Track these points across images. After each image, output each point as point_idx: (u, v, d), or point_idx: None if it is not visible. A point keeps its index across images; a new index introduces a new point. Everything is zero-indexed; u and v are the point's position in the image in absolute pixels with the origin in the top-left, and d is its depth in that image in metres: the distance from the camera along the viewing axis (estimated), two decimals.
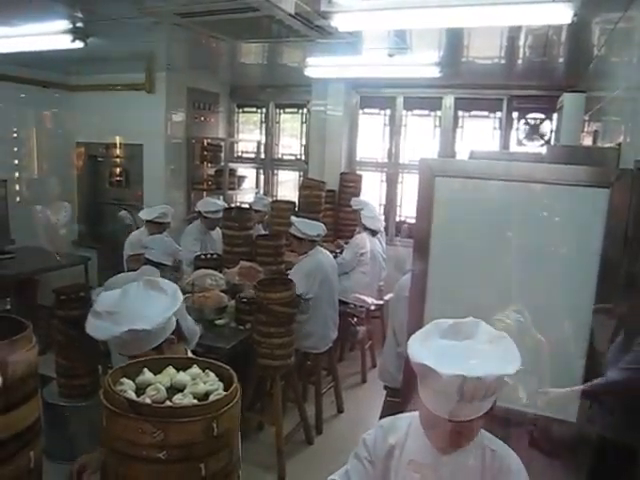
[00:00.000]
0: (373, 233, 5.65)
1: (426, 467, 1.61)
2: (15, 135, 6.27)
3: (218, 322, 4.12)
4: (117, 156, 6.75)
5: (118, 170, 6.79)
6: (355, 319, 5.41)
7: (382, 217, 6.34)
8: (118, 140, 6.64)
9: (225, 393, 1.13)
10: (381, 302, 5.68)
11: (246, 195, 7.60)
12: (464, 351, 1.46)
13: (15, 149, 6.30)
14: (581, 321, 2.51)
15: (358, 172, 6.99)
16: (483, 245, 2.57)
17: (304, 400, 4.60)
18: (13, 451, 1.00)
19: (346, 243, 5.78)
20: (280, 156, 7.62)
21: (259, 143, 7.57)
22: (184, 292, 4.00)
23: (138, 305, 1.94)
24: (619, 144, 3.06)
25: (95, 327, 1.93)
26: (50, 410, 3.25)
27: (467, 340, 1.50)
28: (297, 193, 6.51)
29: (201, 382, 1.20)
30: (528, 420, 2.50)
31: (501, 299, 2.51)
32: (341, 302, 4.96)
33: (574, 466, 2.79)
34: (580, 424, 2.53)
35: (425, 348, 1.49)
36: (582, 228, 2.49)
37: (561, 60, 4.79)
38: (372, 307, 5.55)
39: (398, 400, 1.73)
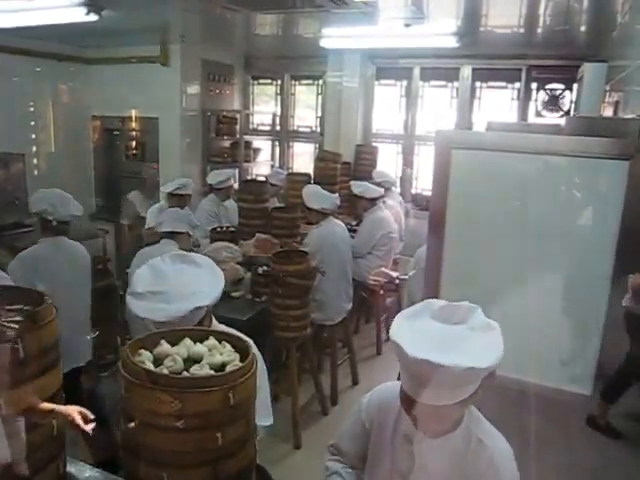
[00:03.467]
0: (384, 199, 5.59)
1: (418, 444, 1.58)
2: (32, 109, 6.31)
3: (234, 294, 4.15)
4: (133, 129, 6.76)
5: (134, 143, 6.81)
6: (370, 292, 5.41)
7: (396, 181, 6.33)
8: (134, 113, 6.65)
9: (241, 364, 1.15)
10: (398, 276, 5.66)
11: (262, 167, 7.60)
12: (448, 335, 1.41)
13: (32, 123, 6.34)
14: (599, 294, 2.49)
15: (374, 144, 6.94)
16: (500, 218, 2.55)
17: (319, 371, 4.64)
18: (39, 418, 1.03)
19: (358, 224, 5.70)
20: (295, 128, 7.59)
21: (274, 115, 7.54)
22: None
23: (184, 282, 1.91)
24: None
25: (148, 309, 1.85)
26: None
27: (456, 325, 1.44)
28: (312, 165, 6.49)
29: (218, 353, 1.22)
30: (540, 392, 2.51)
31: (518, 273, 2.50)
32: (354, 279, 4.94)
33: (586, 440, 2.81)
34: (594, 397, 2.54)
35: (408, 326, 1.45)
36: (601, 201, 2.46)
37: (582, 28, 4.69)
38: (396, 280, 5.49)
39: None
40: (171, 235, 3.85)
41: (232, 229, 5.12)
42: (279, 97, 7.58)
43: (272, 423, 2.04)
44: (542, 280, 2.51)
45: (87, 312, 3.54)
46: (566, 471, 2.92)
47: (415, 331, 1.42)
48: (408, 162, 6.91)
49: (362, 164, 6.66)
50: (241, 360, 1.19)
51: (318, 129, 7.32)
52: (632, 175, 2.36)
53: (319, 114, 7.30)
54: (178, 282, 1.90)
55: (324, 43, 5.43)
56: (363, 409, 1.76)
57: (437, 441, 1.56)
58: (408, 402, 1.48)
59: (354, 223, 5.69)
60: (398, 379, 1.69)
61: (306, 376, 4.45)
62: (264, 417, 1.96)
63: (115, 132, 6.97)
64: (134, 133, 6.77)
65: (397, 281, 5.44)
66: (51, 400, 1.10)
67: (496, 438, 1.60)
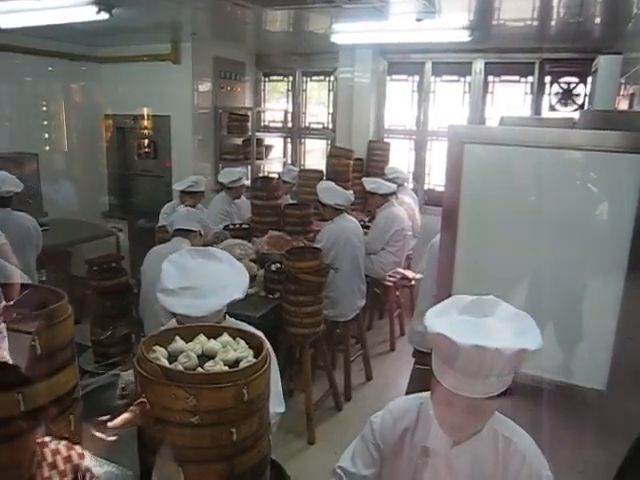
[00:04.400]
0: (397, 195, 5.58)
1: (438, 455, 1.57)
2: (44, 109, 6.34)
3: (247, 291, 4.15)
4: (145, 127, 6.79)
5: (146, 142, 6.84)
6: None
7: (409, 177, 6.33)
8: (145, 111, 6.68)
9: (255, 360, 1.16)
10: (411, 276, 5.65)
11: (274, 165, 7.61)
12: (482, 326, 1.41)
13: (45, 123, 6.38)
14: (614, 288, 2.47)
15: (386, 140, 6.92)
16: (513, 213, 2.54)
17: (333, 368, 4.66)
18: (55, 414, 1.04)
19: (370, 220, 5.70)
20: (307, 125, 7.58)
21: (286, 112, 7.54)
22: None
23: (212, 276, 1.97)
24: None
25: (184, 305, 1.88)
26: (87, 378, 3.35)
27: (486, 317, 1.44)
28: (325, 162, 6.48)
29: (231, 349, 1.22)
30: (554, 388, 2.49)
31: (532, 268, 2.49)
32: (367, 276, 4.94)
33: (604, 437, 2.79)
34: (610, 392, 2.52)
35: (442, 320, 1.44)
36: (616, 195, 2.44)
37: (597, 20, 4.63)
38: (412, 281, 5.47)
39: (427, 367, 1.71)
40: (183, 233, 3.88)
41: (245, 226, 5.14)
42: (290, 94, 7.57)
43: (285, 411, 2.06)
44: (556, 275, 2.50)
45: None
46: (581, 468, 2.91)
47: (452, 324, 1.41)
48: (420, 165, 6.88)
49: (374, 160, 6.63)
50: (255, 356, 1.20)
51: (330, 125, 7.30)
52: None
53: (331, 110, 7.28)
54: (206, 277, 1.95)
55: (335, 39, 5.41)
56: (376, 429, 1.71)
57: (462, 447, 1.55)
58: (447, 401, 1.46)
59: (367, 219, 5.68)
60: (407, 391, 1.68)
61: (320, 372, 4.46)
62: (277, 405, 1.99)
63: (127, 130, 7.01)
64: (146, 131, 6.80)
65: (412, 282, 5.45)
66: (68, 396, 1.11)
67: (523, 435, 1.59)
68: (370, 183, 5.55)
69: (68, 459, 1.09)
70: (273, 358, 2.00)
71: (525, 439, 1.58)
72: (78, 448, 1.12)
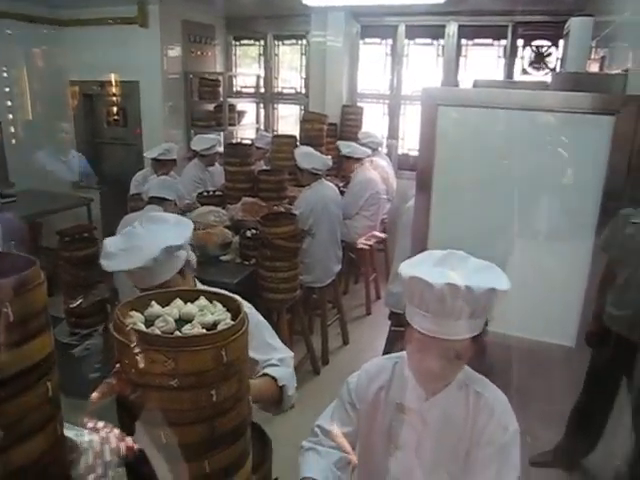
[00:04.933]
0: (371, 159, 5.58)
1: (412, 411, 1.63)
2: (5, 75, 6.09)
3: (223, 258, 4.16)
4: (113, 94, 6.62)
5: (115, 109, 6.69)
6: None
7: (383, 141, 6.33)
8: (113, 77, 6.49)
9: (233, 322, 1.16)
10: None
11: (247, 131, 7.51)
12: (455, 274, 1.45)
13: (7, 89, 6.14)
14: (584, 248, 2.53)
15: (360, 104, 6.87)
16: (486, 174, 2.56)
17: (310, 333, 4.70)
18: (33, 380, 1.03)
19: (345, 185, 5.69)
20: (280, 90, 7.48)
21: (258, 77, 7.41)
22: None
23: (152, 235, 1.97)
24: (626, 70, 2.99)
25: (114, 264, 1.96)
26: (62, 349, 3.33)
27: (459, 270, 1.48)
28: (298, 127, 6.43)
29: (209, 313, 1.22)
30: (526, 345, 2.56)
31: (504, 228, 2.52)
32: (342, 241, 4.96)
33: (572, 389, 2.89)
34: (579, 348, 2.60)
35: (416, 268, 1.49)
36: (586, 156, 2.47)
37: None
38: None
39: (402, 329, 1.75)
40: (157, 201, 3.84)
41: (218, 193, 5.10)
42: (262, 58, 7.44)
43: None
44: (528, 235, 2.54)
45: None
46: (551, 421, 3.02)
47: (426, 270, 1.46)
48: (393, 130, 6.85)
49: (348, 125, 6.59)
50: (233, 318, 1.20)
51: (303, 90, 7.22)
52: (617, 130, 2.37)
53: (304, 75, 7.19)
54: (146, 236, 1.96)
55: (307, 1, 5.31)
56: (352, 388, 1.76)
57: (435, 400, 1.60)
58: (420, 347, 1.50)
59: (341, 184, 5.68)
60: (384, 353, 1.73)
61: (297, 337, 4.51)
62: (285, 350, 2.06)
63: (95, 97, 6.83)
64: (114, 98, 6.63)
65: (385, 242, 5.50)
66: (44, 363, 1.10)
67: (494, 390, 1.64)
68: (345, 147, 5.55)
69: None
70: (261, 319, 2.07)
71: (496, 394, 1.63)
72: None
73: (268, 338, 2.04)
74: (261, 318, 2.09)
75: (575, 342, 2.61)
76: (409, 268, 1.50)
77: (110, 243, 2.02)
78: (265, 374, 1.91)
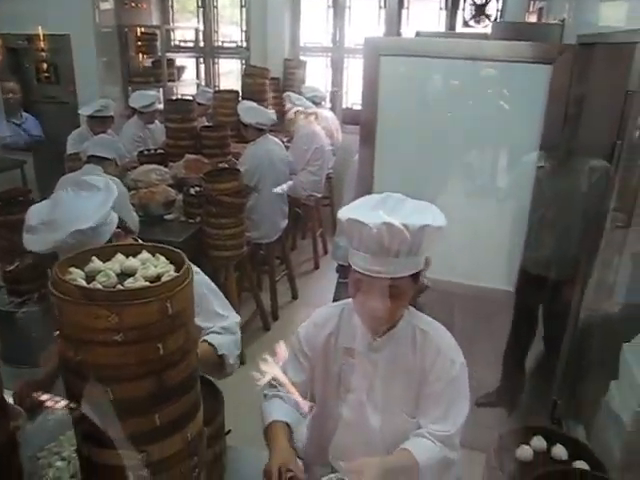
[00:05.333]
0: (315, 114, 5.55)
1: (361, 353, 1.67)
2: None
3: (167, 217, 4.09)
4: (42, 49, 6.23)
5: (45, 65, 6.33)
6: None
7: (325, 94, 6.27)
8: (41, 30, 6.10)
9: (177, 274, 1.14)
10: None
11: (187, 87, 7.29)
12: (392, 214, 1.48)
13: None
14: (522, 197, 2.60)
15: (302, 58, 6.76)
16: (428, 124, 2.58)
17: (259, 289, 4.71)
18: None
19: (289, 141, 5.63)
20: (220, 44, 7.26)
21: (197, 30, 7.16)
22: (129, 189, 3.94)
23: (73, 208, 1.82)
24: (563, 20, 3.04)
25: (34, 241, 1.81)
26: (2, 317, 3.23)
27: (397, 211, 1.51)
28: (240, 82, 6.28)
29: (152, 266, 1.20)
30: (468, 292, 2.64)
31: (447, 178, 2.56)
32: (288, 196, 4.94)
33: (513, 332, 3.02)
34: (518, 292, 2.70)
35: (354, 211, 1.52)
36: (525, 105, 2.52)
37: None
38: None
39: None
40: (97, 161, 3.71)
41: (160, 151, 4.97)
42: (201, 11, 7.17)
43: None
44: (470, 184, 2.59)
45: None
46: (495, 363, 3.15)
47: (362, 214, 1.48)
48: (337, 83, 6.79)
49: (291, 79, 6.50)
50: (176, 271, 1.18)
51: (244, 44, 7.03)
52: (554, 77, 2.41)
53: (244, 28, 6.98)
54: (68, 209, 1.80)
55: None
56: (302, 337, 1.79)
57: (382, 341, 1.64)
58: (363, 288, 1.54)
59: (285, 140, 5.61)
60: (334, 299, 1.76)
61: (246, 294, 4.51)
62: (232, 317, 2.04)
63: (21, 52, 6.42)
64: (44, 53, 6.25)
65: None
66: None
67: (438, 328, 1.70)
68: (287, 102, 5.49)
69: None
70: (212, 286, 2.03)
71: (440, 331, 1.69)
72: None
73: (216, 306, 2.00)
74: (212, 285, 2.04)
75: (514, 287, 2.71)
76: (347, 211, 1.53)
77: (34, 214, 1.86)
78: (205, 341, 1.90)
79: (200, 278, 1.95)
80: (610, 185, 2.34)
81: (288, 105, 5.59)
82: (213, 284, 2.06)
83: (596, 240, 2.34)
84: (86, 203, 1.84)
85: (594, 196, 2.64)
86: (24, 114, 5.92)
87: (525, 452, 1.32)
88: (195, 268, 1.52)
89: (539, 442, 1.35)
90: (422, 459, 1.52)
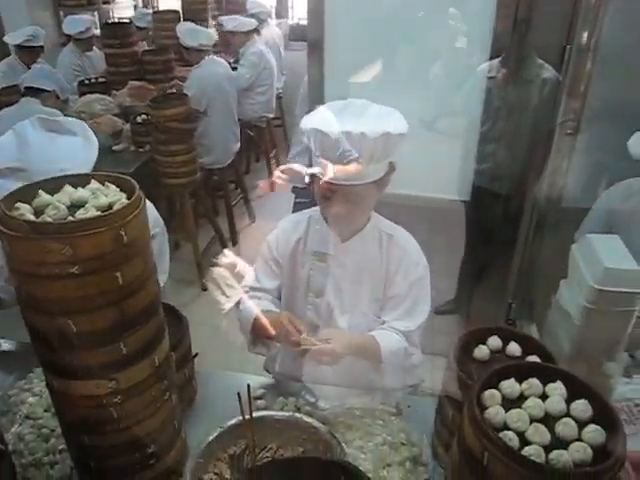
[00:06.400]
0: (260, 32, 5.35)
1: (329, 256, 1.71)
2: None
3: (115, 148, 3.97)
4: None
5: None
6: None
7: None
8: None
9: (129, 201, 1.12)
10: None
11: (125, 10, 6.88)
12: (354, 121, 1.48)
13: None
14: (475, 108, 2.60)
15: None
16: (377, 36, 2.52)
17: (216, 215, 4.69)
18: None
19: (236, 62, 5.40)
20: None
21: None
22: None
23: (50, 156, 1.66)
24: None
25: (5, 190, 1.64)
26: None
27: (359, 117, 1.51)
28: (180, 2, 5.96)
29: (102, 195, 1.17)
30: (423, 203, 2.69)
31: (399, 91, 2.52)
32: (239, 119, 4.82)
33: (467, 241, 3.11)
34: (473, 201, 2.76)
35: (315, 119, 1.52)
36: (476, 9, 2.47)
37: None
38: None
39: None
40: (34, 93, 3.52)
41: (101, 80, 4.74)
42: None
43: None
44: (423, 95, 2.57)
45: None
46: (453, 272, 3.26)
47: (324, 122, 1.48)
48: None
49: None
50: (128, 198, 1.16)
51: None
52: None
53: None
54: (44, 157, 1.65)
55: None
56: (272, 245, 1.81)
57: (350, 243, 1.70)
58: (328, 195, 1.57)
59: (232, 61, 5.41)
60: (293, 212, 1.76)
61: (203, 220, 4.49)
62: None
63: None
64: None
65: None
66: None
67: (402, 231, 1.76)
68: (230, 21, 5.22)
69: None
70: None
71: (405, 235, 1.76)
72: None
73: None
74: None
75: (470, 197, 2.76)
76: (308, 120, 1.53)
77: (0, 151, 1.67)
78: None
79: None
80: (560, 91, 2.35)
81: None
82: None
83: (546, 149, 2.39)
84: (65, 150, 1.70)
85: (545, 108, 2.67)
86: None
87: (482, 352, 1.39)
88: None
89: (495, 341, 1.42)
90: (384, 344, 1.64)
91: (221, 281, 1.58)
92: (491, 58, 2.74)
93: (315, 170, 1.55)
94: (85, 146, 1.77)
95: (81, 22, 5.03)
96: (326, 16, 2.49)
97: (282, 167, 3.59)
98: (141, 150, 3.93)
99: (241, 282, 1.76)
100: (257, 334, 1.74)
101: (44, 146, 1.70)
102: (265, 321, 1.62)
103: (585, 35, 2.10)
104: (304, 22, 6.32)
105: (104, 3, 6.22)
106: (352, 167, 1.47)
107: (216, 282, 1.57)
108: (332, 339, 1.54)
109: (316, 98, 2.59)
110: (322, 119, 1.51)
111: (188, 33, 4.38)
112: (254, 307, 1.72)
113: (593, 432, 1.04)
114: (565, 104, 2.25)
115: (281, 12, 6.54)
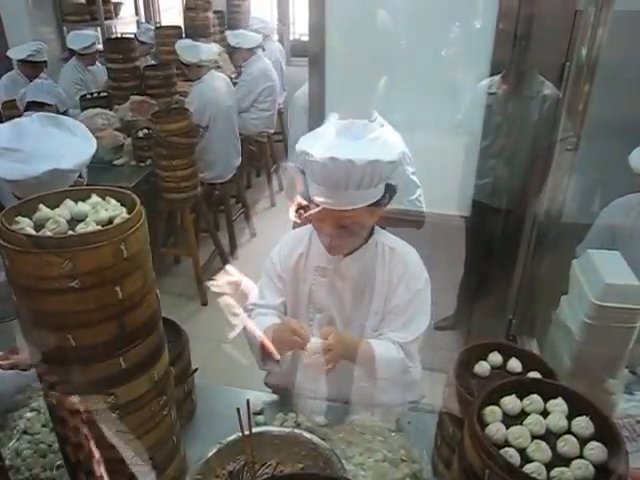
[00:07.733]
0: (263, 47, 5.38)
1: (330, 271, 1.71)
2: None
3: (117, 162, 3.99)
4: None
5: None
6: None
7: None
8: None
9: (129, 216, 1.12)
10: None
11: (128, 25, 6.94)
12: (350, 146, 1.48)
13: None
14: (475, 124, 2.61)
15: None
16: (378, 50, 2.53)
17: (217, 229, 4.69)
18: None
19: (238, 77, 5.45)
20: None
21: None
22: None
23: (47, 142, 1.72)
24: None
25: (1, 167, 1.64)
26: None
27: (356, 140, 1.51)
28: (182, 17, 6.01)
29: (102, 209, 1.17)
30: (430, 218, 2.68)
31: (399, 105, 2.54)
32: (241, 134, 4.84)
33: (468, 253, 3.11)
34: (473, 217, 2.77)
35: (313, 142, 1.52)
36: (476, 26, 2.50)
37: None
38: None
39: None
40: (37, 108, 3.55)
41: (103, 94, 4.77)
42: None
43: None
44: (424, 110, 2.58)
45: None
46: (453, 287, 3.25)
47: (321, 144, 1.49)
48: (283, 14, 6.56)
49: (235, 11, 6.27)
50: (128, 213, 1.16)
51: None
52: None
53: None
54: (40, 142, 1.71)
55: None
56: (275, 260, 1.80)
57: (352, 257, 1.68)
58: (321, 218, 1.57)
59: (234, 76, 5.45)
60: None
61: (204, 235, 4.48)
62: None
63: None
64: None
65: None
66: None
67: (405, 246, 1.76)
68: (234, 37, 5.27)
69: None
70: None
71: (407, 249, 1.75)
72: None
73: None
74: None
75: (470, 212, 2.77)
76: (303, 142, 1.53)
77: None
78: None
79: None
80: (560, 108, 2.37)
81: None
82: None
83: (546, 165, 2.39)
84: (62, 142, 1.74)
85: (545, 124, 2.69)
86: None
87: (482, 367, 1.38)
88: None
89: (495, 357, 1.41)
90: (379, 352, 1.62)
91: (226, 310, 1.59)
92: (492, 74, 2.76)
93: (310, 192, 1.55)
94: (83, 142, 1.80)
95: (86, 37, 5.07)
96: (327, 32, 2.51)
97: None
98: (142, 165, 3.94)
99: (245, 301, 1.77)
100: (266, 355, 1.72)
101: (41, 135, 1.74)
102: (270, 346, 1.61)
103: (584, 52, 2.12)
104: (305, 38, 6.37)
105: (107, 18, 6.25)
106: (340, 192, 1.47)
107: (221, 310, 1.57)
108: (331, 338, 1.53)
109: (316, 113, 2.61)
110: (313, 143, 1.51)
111: (187, 49, 4.41)
112: (261, 323, 1.72)
113: (595, 449, 1.03)
114: (565, 120, 2.26)
115: (283, 28, 6.59)
